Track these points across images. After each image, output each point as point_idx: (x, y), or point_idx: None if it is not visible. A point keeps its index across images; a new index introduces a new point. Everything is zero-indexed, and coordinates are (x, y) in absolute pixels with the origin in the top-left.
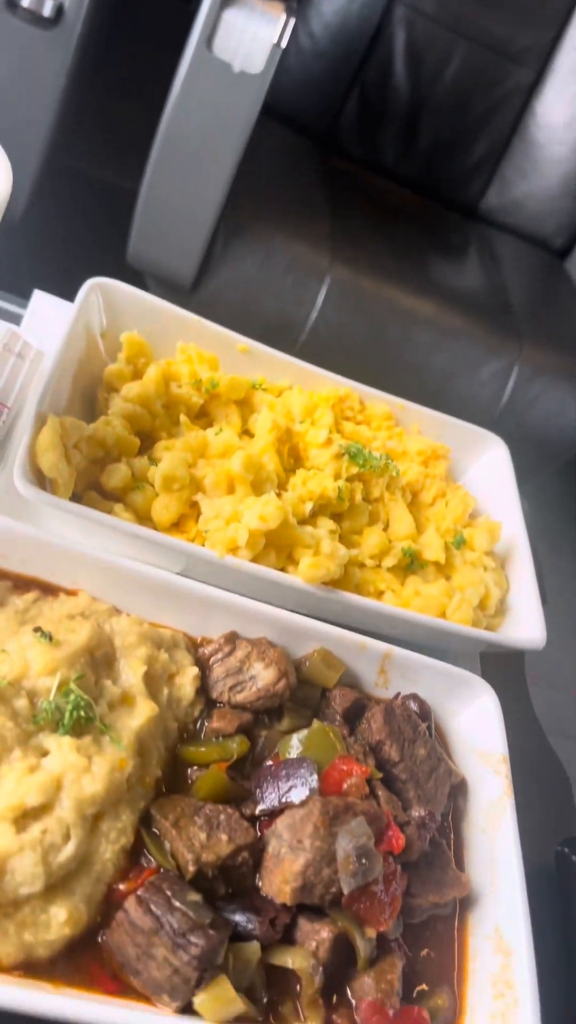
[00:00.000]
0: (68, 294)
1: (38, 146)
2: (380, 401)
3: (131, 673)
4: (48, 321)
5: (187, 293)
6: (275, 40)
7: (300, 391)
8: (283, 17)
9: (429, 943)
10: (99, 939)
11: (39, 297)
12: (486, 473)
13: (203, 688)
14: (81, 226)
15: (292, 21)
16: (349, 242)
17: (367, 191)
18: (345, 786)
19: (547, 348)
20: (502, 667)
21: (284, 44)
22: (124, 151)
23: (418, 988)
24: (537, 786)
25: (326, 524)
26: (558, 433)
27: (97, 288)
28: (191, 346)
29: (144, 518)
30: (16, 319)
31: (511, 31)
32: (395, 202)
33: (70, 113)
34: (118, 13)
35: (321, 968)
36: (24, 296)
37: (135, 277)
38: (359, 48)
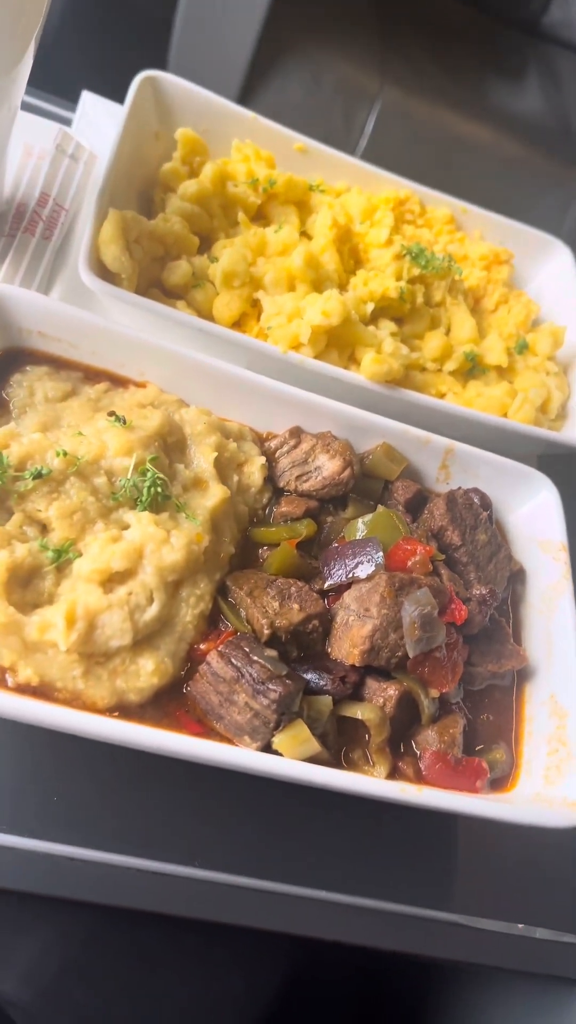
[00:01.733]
0: (117, 96)
1: None
2: (442, 204)
3: (202, 459)
4: (99, 123)
5: None
6: None
7: (359, 192)
8: None
9: (489, 708)
10: (184, 690)
11: (88, 98)
12: (551, 280)
13: (270, 479)
14: (125, 28)
15: None
16: (401, 63)
17: (421, 6)
18: (409, 563)
19: None
20: (563, 472)
21: None
22: None
23: (478, 747)
24: None
25: (388, 326)
26: None
27: (150, 82)
28: (247, 144)
29: (206, 316)
30: (67, 122)
31: None
32: (451, 19)
33: None
34: None
35: (388, 720)
36: (73, 99)
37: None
38: None
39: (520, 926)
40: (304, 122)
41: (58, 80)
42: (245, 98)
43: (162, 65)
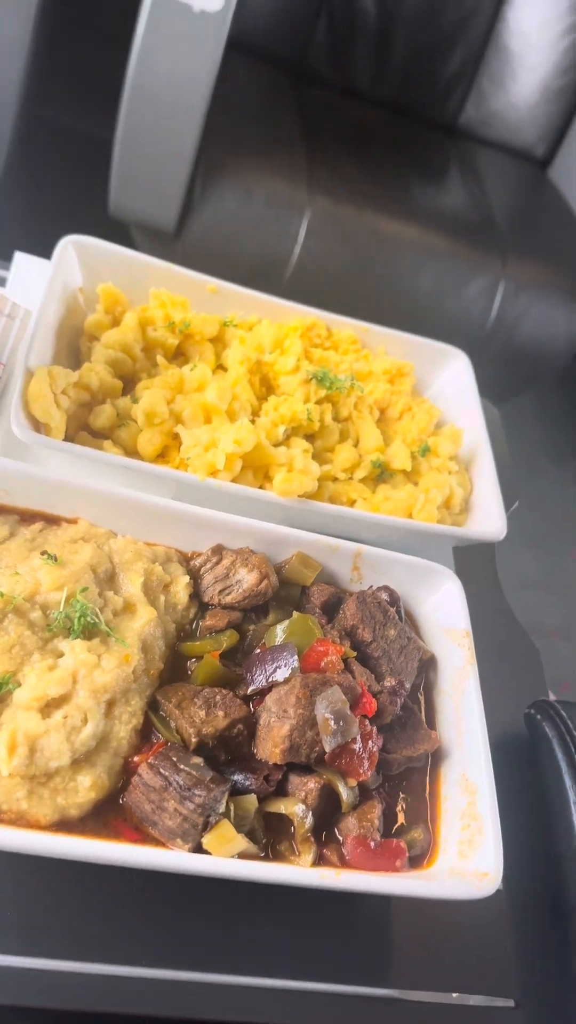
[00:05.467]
0: (51, 250)
1: (10, 100)
2: (346, 326)
3: (130, 585)
4: (32, 280)
5: (172, 239)
6: None
7: (269, 324)
8: None
9: (407, 790)
10: (120, 801)
11: (20, 258)
12: (450, 385)
13: (196, 595)
14: (62, 180)
15: None
16: (327, 172)
17: (342, 117)
18: (323, 664)
19: (532, 261)
20: (475, 562)
21: None
22: (99, 100)
23: (396, 826)
24: (507, 661)
25: (300, 444)
26: (549, 343)
27: (71, 245)
28: (163, 291)
29: (131, 452)
30: (1, 282)
31: None
32: (372, 126)
33: (42, 65)
34: None
35: (310, 812)
36: (6, 259)
37: (120, 227)
38: None
39: (455, 995)
40: (241, 234)
41: None
42: (185, 220)
43: (105, 201)
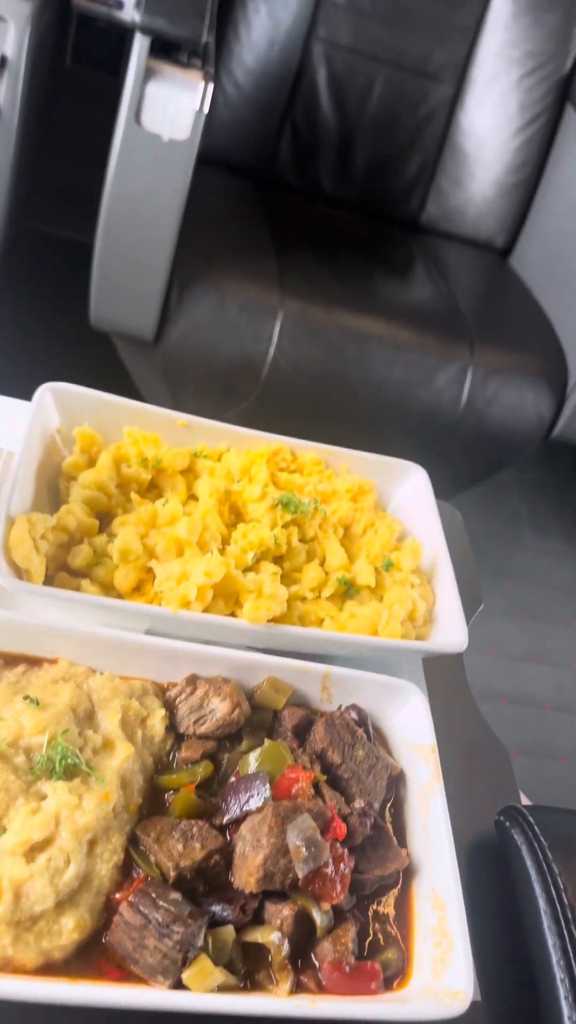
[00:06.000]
0: (29, 389)
1: None
2: (309, 450)
3: (108, 722)
4: (13, 422)
5: (151, 347)
6: (197, 107)
7: (237, 453)
8: (203, 84)
9: (380, 908)
10: (103, 939)
11: (2, 401)
12: (409, 497)
13: (172, 725)
14: (47, 290)
15: (211, 86)
16: (297, 275)
17: (310, 220)
18: (294, 791)
19: (498, 347)
20: (446, 668)
21: (207, 108)
22: (83, 211)
23: (370, 941)
24: (477, 769)
25: (268, 568)
26: (520, 426)
27: (48, 392)
28: (135, 430)
29: (108, 588)
30: None
31: (426, 50)
32: (338, 227)
33: (22, 188)
34: (60, 86)
35: (286, 939)
36: None
37: (102, 334)
38: (285, 87)
39: None
40: (217, 340)
41: None
42: (163, 329)
43: (83, 321)
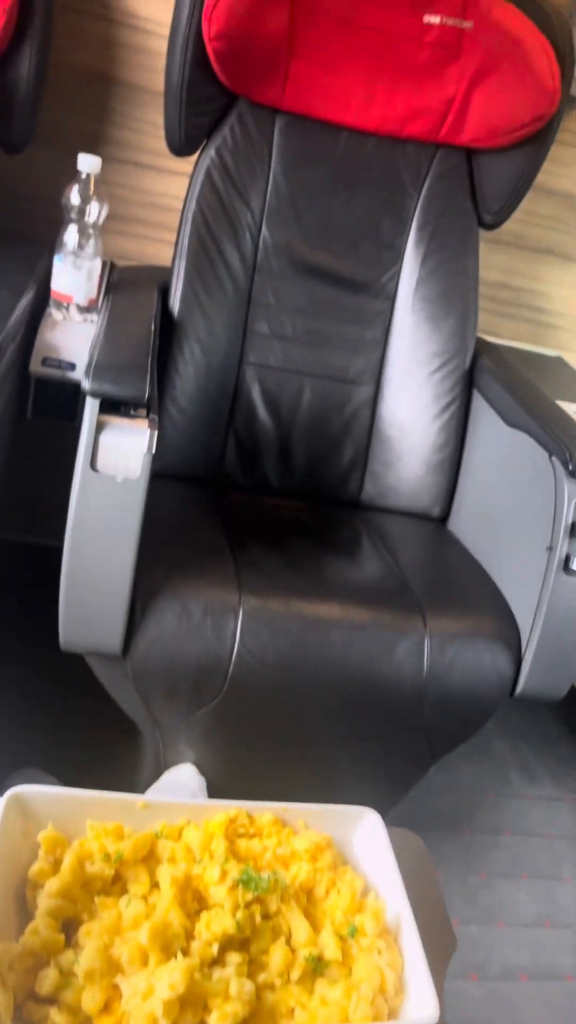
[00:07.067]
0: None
1: None
2: (266, 810)
3: None
4: None
5: (120, 660)
6: (146, 449)
7: (195, 828)
8: (149, 430)
9: None
10: None
11: None
12: (365, 844)
13: None
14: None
15: (155, 432)
16: (252, 571)
17: (260, 515)
18: None
19: (449, 614)
20: None
21: (153, 449)
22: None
23: None
24: None
25: (233, 959)
26: (483, 688)
27: (13, 800)
28: (98, 824)
29: (76, 1011)
30: None
31: (345, 362)
32: (287, 516)
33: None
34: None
35: None
36: None
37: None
38: (225, 405)
39: None
40: (182, 644)
41: None
42: (129, 642)
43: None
